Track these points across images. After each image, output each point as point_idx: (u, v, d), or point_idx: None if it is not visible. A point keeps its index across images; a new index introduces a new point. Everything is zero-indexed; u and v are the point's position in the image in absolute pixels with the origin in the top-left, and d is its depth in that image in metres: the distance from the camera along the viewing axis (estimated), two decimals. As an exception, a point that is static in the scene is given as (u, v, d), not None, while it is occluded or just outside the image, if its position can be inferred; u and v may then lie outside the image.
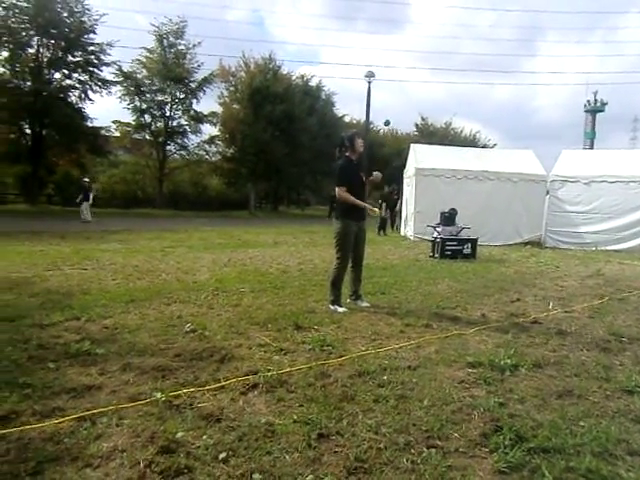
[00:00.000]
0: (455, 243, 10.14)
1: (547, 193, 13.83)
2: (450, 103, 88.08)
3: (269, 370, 3.06)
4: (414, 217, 14.29)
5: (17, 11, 24.46)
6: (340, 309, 4.86)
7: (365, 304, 5.16)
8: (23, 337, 3.60)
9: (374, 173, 5.33)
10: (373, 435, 2.31)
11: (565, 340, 4.15)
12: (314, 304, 5.13)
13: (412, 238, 14.23)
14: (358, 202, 4.93)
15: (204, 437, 2.23)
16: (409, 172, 15.81)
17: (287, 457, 2.09)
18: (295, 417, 2.44)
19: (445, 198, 12.72)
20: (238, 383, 2.87)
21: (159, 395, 2.63)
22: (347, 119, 42.22)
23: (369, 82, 22.09)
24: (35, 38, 25.46)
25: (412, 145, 16.84)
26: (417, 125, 47.84)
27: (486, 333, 4.31)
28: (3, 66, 25.08)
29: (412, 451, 2.19)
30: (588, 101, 68.06)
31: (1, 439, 2.16)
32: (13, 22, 24.57)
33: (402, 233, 16.45)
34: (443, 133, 45.02)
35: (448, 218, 10.85)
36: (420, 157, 14.87)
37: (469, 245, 10.20)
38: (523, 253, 11.46)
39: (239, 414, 2.48)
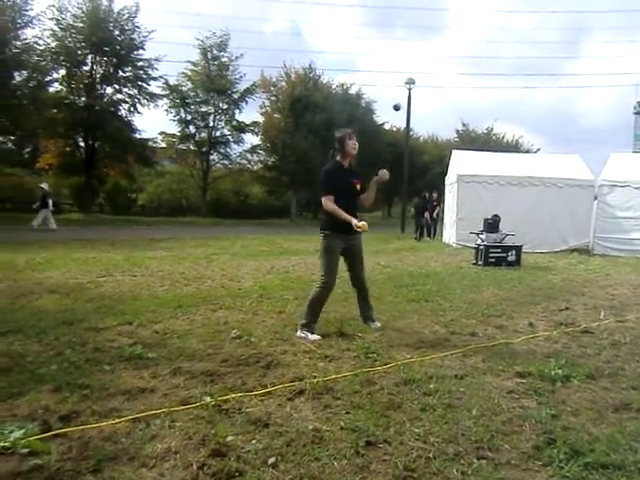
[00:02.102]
0: (499, 250, 9.91)
1: (595, 199, 13.33)
2: (491, 108, 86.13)
3: (315, 377, 3.08)
4: (456, 224, 14.07)
5: (74, 31, 25.90)
6: (312, 336, 4.04)
7: (377, 325, 4.48)
8: (81, 340, 3.77)
9: (380, 171, 4.38)
10: (421, 444, 2.29)
11: (619, 351, 3.98)
12: (357, 311, 5.11)
13: (454, 245, 14.00)
14: (344, 216, 4.09)
15: (253, 441, 2.27)
16: (451, 179, 15.60)
17: (335, 464, 2.10)
18: (342, 424, 2.45)
19: (487, 204, 12.47)
20: (285, 389, 2.91)
21: (209, 399, 2.69)
22: (387, 127, 42.11)
23: (409, 89, 21.95)
24: (89, 56, 26.87)
25: (454, 151, 16.61)
26: (458, 131, 47.19)
27: (534, 342, 4.20)
28: (60, 84, 26.56)
29: (462, 462, 2.15)
30: (638, 102, 65.04)
31: (64, 437, 2.27)
32: (69, 42, 26.01)
33: (444, 240, 16.22)
34: (485, 139, 44.20)
35: (491, 225, 10.62)
36: (462, 163, 14.65)
37: (513, 252, 9.95)
38: (570, 260, 11.07)
39: (286, 420, 2.52)
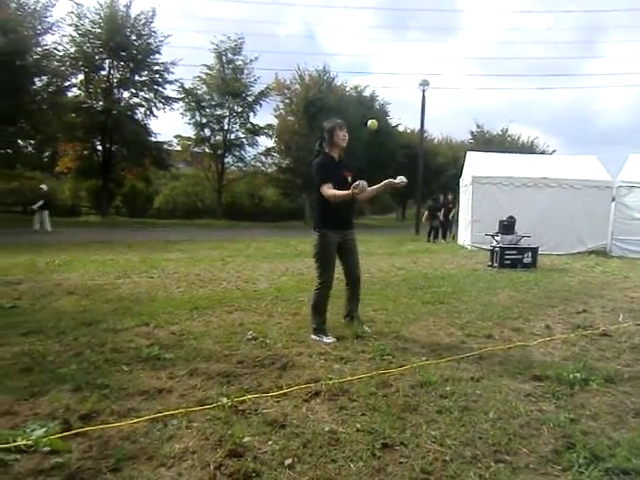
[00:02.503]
0: (515, 252, 9.82)
1: (613, 200, 13.13)
2: (506, 109, 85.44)
3: (330, 378, 3.08)
4: (471, 226, 13.97)
5: (92, 37, 26.37)
6: (327, 339, 3.99)
7: (364, 329, 4.28)
8: (99, 341, 3.83)
9: (399, 177, 4.18)
10: (438, 447, 2.28)
11: (639, 354, 3.92)
12: (372, 313, 5.13)
13: (469, 247, 13.91)
14: (344, 193, 3.92)
15: (270, 442, 2.29)
16: (465, 180, 15.51)
17: (352, 466, 2.10)
18: (358, 426, 2.45)
19: (503, 206, 12.38)
20: (300, 391, 2.92)
21: (225, 400, 2.71)
22: (401, 128, 42.02)
23: (423, 90, 21.89)
24: (107, 61, 27.34)
25: (468, 153, 16.51)
26: (472, 132, 46.92)
27: (552, 345, 4.15)
28: (79, 88, 27.05)
29: (479, 465, 2.14)
30: (657, 102, 63.81)
31: (84, 436, 2.31)
32: (88, 47, 26.48)
33: (459, 242, 16.11)
34: (499, 140, 43.88)
35: (507, 226, 10.53)
36: (477, 165, 14.56)
37: (529, 254, 9.85)
38: (587, 262, 10.92)
39: (303, 421, 2.52)
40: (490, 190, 13.61)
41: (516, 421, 2.59)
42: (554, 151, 45.47)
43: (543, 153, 41.37)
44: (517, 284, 7.48)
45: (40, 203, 16.94)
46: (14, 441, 2.20)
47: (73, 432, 2.33)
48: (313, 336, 4.09)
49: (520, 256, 9.80)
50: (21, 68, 21.61)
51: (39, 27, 23.15)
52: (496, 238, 10.39)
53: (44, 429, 2.30)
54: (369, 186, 4.01)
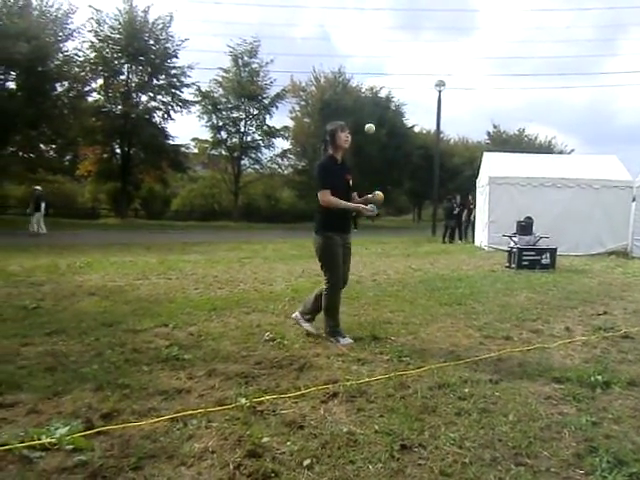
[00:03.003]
0: (533, 253, 9.71)
1: (633, 200, 12.88)
2: (523, 109, 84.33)
3: (348, 380, 3.09)
4: (488, 227, 13.84)
5: (111, 42, 26.84)
6: (343, 340, 3.98)
7: (311, 329, 4.22)
8: (120, 341, 3.89)
9: (375, 193, 4.23)
10: (457, 449, 2.26)
11: (664, 358, 3.84)
12: (389, 314, 5.11)
13: (486, 248, 13.78)
14: (349, 205, 4.00)
15: (288, 443, 2.30)
16: (482, 181, 15.38)
17: (370, 467, 2.10)
18: (376, 427, 2.45)
19: (520, 207, 12.27)
20: (318, 392, 2.92)
21: (244, 400, 2.73)
22: (417, 129, 41.86)
23: (439, 91, 21.77)
24: (125, 65, 27.81)
25: (485, 153, 16.38)
26: (489, 133, 46.55)
27: (572, 347, 4.10)
28: (98, 93, 27.53)
29: (499, 468, 2.12)
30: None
31: (106, 435, 2.35)
32: (107, 53, 26.96)
33: (475, 243, 15.97)
34: (516, 140, 43.48)
35: (524, 227, 10.42)
36: (493, 165, 14.43)
37: (548, 255, 9.72)
38: (607, 263, 10.74)
39: (321, 422, 2.53)
40: (507, 191, 13.48)
41: (536, 424, 2.56)
42: (572, 151, 44.93)
43: (561, 153, 40.82)
44: (535, 285, 7.39)
45: (43, 205, 16.83)
46: (39, 439, 2.25)
47: (95, 431, 2.37)
48: (331, 338, 4.06)
49: (538, 257, 9.68)
50: (43, 74, 22.11)
51: (60, 34, 23.67)
52: (514, 239, 10.28)
53: (67, 427, 2.35)
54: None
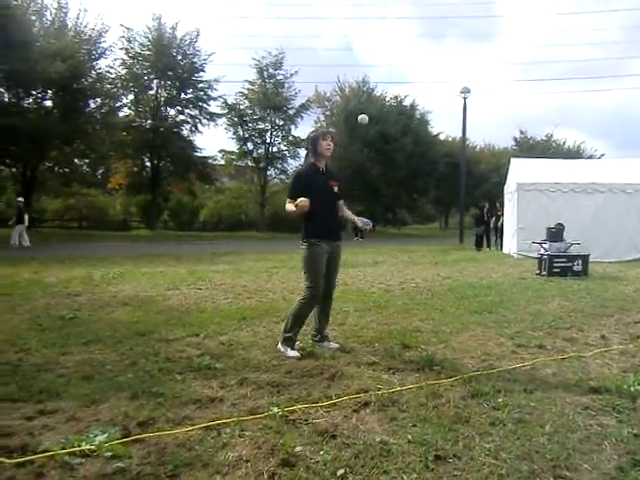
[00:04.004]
0: (564, 260, 9.49)
1: None
2: (550, 114, 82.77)
3: (379, 389, 3.07)
4: (517, 234, 13.60)
5: (141, 59, 27.71)
6: (291, 352, 3.85)
7: (334, 346, 4.09)
8: (153, 350, 3.97)
9: (362, 222, 4.25)
10: (493, 460, 2.22)
11: None
12: (419, 323, 5.07)
13: (515, 255, 13.54)
14: (292, 208, 3.83)
15: (321, 452, 2.29)
16: (510, 187, 15.15)
17: (405, 477, 2.08)
18: (409, 437, 2.43)
19: (550, 213, 12.05)
20: (350, 401, 2.92)
21: (276, 409, 2.75)
22: (442, 137, 41.60)
23: (465, 98, 21.58)
24: (155, 81, 28.60)
25: (512, 159, 16.16)
26: (515, 139, 45.90)
27: (609, 356, 3.98)
28: (129, 108, 28.40)
29: (537, 480, 2.08)
30: None
31: (142, 442, 2.40)
32: (137, 69, 27.82)
33: (504, 250, 15.70)
34: (544, 146, 42.74)
35: (555, 234, 10.19)
36: (521, 171, 14.23)
37: (579, 261, 9.49)
38: (643, 270, 10.39)
39: (353, 432, 2.52)
40: (536, 197, 13.25)
41: (575, 435, 2.50)
42: (602, 155, 43.76)
43: (591, 158, 39.84)
44: (568, 293, 7.22)
45: (25, 218, 16.62)
46: (79, 446, 2.31)
47: (132, 438, 2.42)
48: (280, 346, 3.97)
49: (570, 264, 9.46)
50: (77, 91, 22.96)
51: (94, 52, 24.60)
52: (544, 246, 10.07)
53: (106, 435, 2.40)
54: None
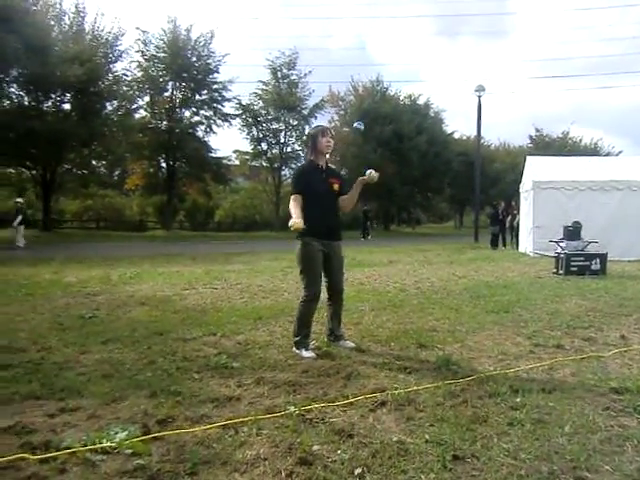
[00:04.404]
0: (582, 259, 9.37)
1: None
2: (566, 111, 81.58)
3: (396, 388, 3.07)
4: (533, 232, 13.45)
5: (156, 61, 28.03)
6: (306, 354, 3.83)
7: (350, 344, 4.09)
8: (171, 349, 4.01)
9: (368, 171, 4.02)
10: (511, 460, 2.21)
11: None
12: (435, 322, 5.05)
13: (531, 254, 13.40)
14: (294, 211, 3.78)
15: (338, 451, 2.30)
16: (526, 186, 14.99)
17: (423, 477, 2.08)
18: (427, 437, 2.42)
19: (566, 211, 11.91)
20: (366, 400, 2.92)
21: (293, 408, 2.76)
22: (456, 135, 41.34)
23: (479, 96, 21.38)
24: (170, 82, 28.87)
25: (528, 158, 15.99)
26: (531, 137, 45.37)
27: (629, 356, 3.92)
28: (145, 110, 28.71)
29: (557, 481, 2.06)
30: None
31: (162, 440, 2.43)
32: (153, 71, 28.14)
33: (520, 249, 15.53)
34: (560, 143, 42.23)
35: (572, 232, 10.06)
36: (537, 169, 14.07)
37: (598, 260, 9.35)
38: (665, 269, 10.19)
39: (370, 431, 2.52)
40: (552, 195, 13.09)
41: (595, 436, 2.47)
42: (620, 152, 43.04)
43: (608, 155, 39.21)
44: (586, 292, 7.12)
45: (19, 219, 16.56)
46: (100, 443, 2.35)
47: (152, 436, 2.45)
48: (295, 349, 3.94)
49: (588, 263, 9.34)
50: (94, 94, 23.31)
51: (111, 55, 24.95)
52: (561, 244, 9.96)
53: (126, 432, 2.44)
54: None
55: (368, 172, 4.02)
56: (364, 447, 2.34)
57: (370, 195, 32.78)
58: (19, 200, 17.76)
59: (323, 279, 4.07)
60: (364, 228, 25.72)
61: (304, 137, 32.29)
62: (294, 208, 3.82)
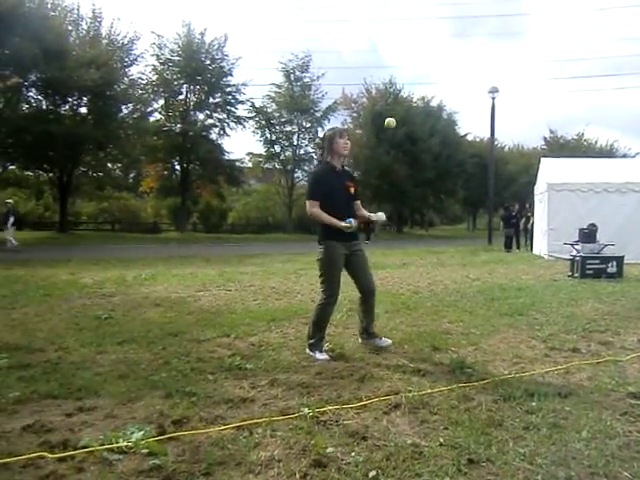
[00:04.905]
0: (597, 261, 9.23)
1: None
2: (582, 113, 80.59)
3: (410, 391, 3.06)
4: (547, 235, 13.31)
5: (171, 64, 28.35)
6: (320, 356, 3.83)
7: (386, 342, 4.11)
8: (185, 350, 4.04)
9: (376, 215, 4.19)
10: (527, 465, 2.19)
11: None
12: (449, 325, 5.02)
13: (546, 257, 13.25)
14: (333, 221, 3.79)
15: (353, 454, 2.30)
16: (540, 188, 14.84)
17: (437, 480, 2.07)
18: (441, 440, 2.41)
19: (581, 214, 11.76)
20: (380, 402, 2.91)
21: (306, 410, 2.76)
22: (470, 137, 41.11)
23: (493, 98, 21.22)
24: (184, 86, 29.18)
25: (542, 159, 15.84)
26: (545, 139, 44.86)
27: (647, 361, 3.86)
28: (159, 113, 29.05)
29: (574, 486, 2.03)
30: None
31: (177, 440, 2.45)
32: (167, 74, 28.45)
33: (534, 252, 15.37)
34: (575, 145, 41.72)
35: (588, 235, 9.94)
36: (552, 171, 13.93)
37: (614, 263, 9.21)
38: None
39: (384, 433, 2.52)
40: (567, 197, 12.95)
41: (613, 442, 2.43)
42: (637, 154, 42.42)
43: (625, 157, 38.64)
44: (602, 295, 7.02)
45: (12, 220, 16.29)
46: (116, 442, 2.38)
47: (167, 436, 2.47)
48: (308, 351, 3.93)
49: (604, 265, 9.20)
50: (110, 98, 23.62)
51: (126, 59, 25.29)
52: (576, 247, 9.84)
53: (142, 432, 2.46)
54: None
55: (376, 216, 4.20)
56: (378, 450, 2.34)
57: (383, 197, 32.77)
58: (9, 201, 17.63)
59: (351, 281, 4.11)
60: (368, 231, 25.32)
61: (317, 140, 32.39)
62: (324, 217, 3.83)
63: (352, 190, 4.02)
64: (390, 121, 4.54)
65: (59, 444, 2.37)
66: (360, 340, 4.23)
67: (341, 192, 3.94)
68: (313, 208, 3.87)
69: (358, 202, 4.11)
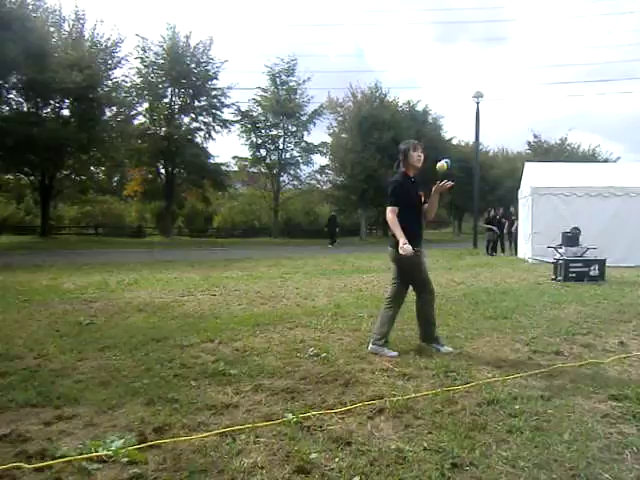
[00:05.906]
0: (580, 264, 9.36)
1: None
2: (565, 118, 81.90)
3: (394, 395, 3.06)
4: (531, 238, 13.47)
5: (155, 67, 28.16)
6: (392, 352, 4.06)
7: (447, 349, 4.20)
8: (168, 356, 3.99)
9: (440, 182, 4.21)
10: (510, 468, 2.19)
11: None
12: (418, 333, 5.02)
13: (530, 260, 13.40)
14: (399, 232, 3.96)
15: (336, 459, 2.29)
16: (524, 192, 15.03)
17: (421, 485, 2.07)
18: (425, 444, 2.41)
19: (565, 217, 11.95)
20: (364, 407, 2.90)
21: (290, 416, 2.74)
22: (455, 141, 41.47)
23: (477, 102, 21.45)
24: (169, 89, 29.01)
25: (526, 164, 16.04)
26: (529, 143, 45.44)
27: (628, 362, 3.92)
28: (144, 116, 28.82)
29: (556, 489, 2.04)
30: None
31: (158, 448, 2.41)
32: (152, 77, 28.25)
33: (519, 255, 15.55)
34: (558, 150, 42.27)
35: (571, 238, 10.07)
36: (535, 176, 14.11)
37: (596, 266, 9.36)
38: (664, 275, 10.19)
39: (368, 438, 2.51)
40: (551, 201, 13.12)
41: (594, 444, 2.45)
42: (619, 158, 43.29)
43: (606, 161, 39.36)
44: (585, 298, 7.12)
45: None
46: (96, 451, 2.33)
47: (148, 444, 2.43)
48: (376, 348, 4.10)
49: (586, 269, 9.33)
50: (94, 100, 23.37)
51: (110, 62, 25.05)
52: (559, 250, 9.96)
53: (122, 440, 2.42)
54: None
55: (439, 164, 4.29)
56: (362, 455, 2.33)
57: (369, 202, 32.86)
58: None
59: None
60: (331, 234, 25.24)
61: (303, 144, 32.48)
62: (397, 228, 4.00)
63: (423, 198, 4.34)
64: (441, 165, 4.32)
65: (36, 454, 2.32)
66: (420, 343, 4.36)
67: (417, 201, 4.26)
68: (392, 215, 4.08)
69: (426, 206, 4.37)
